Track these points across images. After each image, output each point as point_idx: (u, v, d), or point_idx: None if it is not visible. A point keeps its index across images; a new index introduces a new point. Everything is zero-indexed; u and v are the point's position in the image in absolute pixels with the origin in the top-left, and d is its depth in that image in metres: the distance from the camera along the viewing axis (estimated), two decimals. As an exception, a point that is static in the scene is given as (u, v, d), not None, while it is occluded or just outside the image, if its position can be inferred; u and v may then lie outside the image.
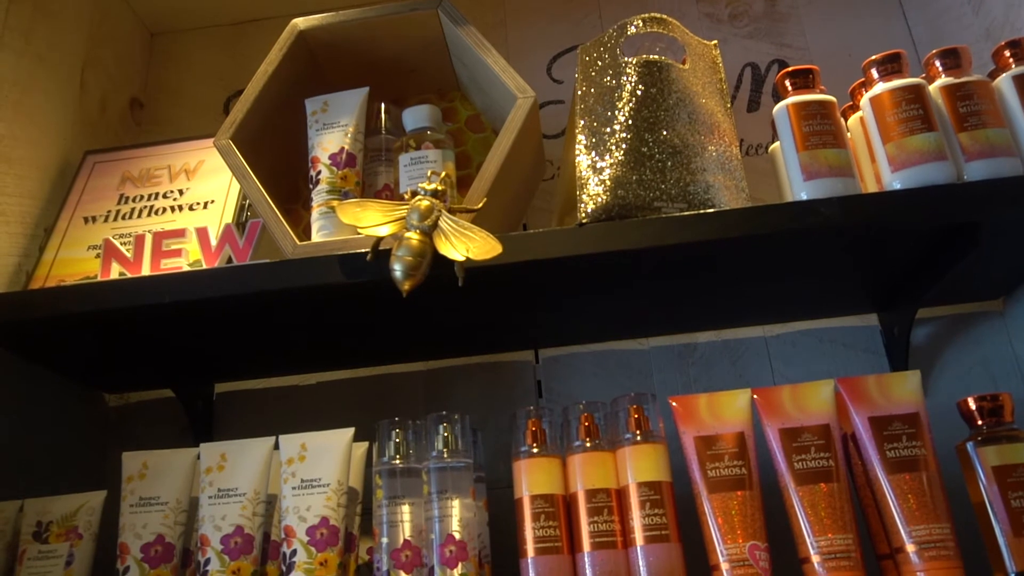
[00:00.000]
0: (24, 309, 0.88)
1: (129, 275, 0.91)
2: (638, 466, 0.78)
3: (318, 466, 0.82)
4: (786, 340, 1.08)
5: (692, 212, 0.81)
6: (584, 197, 0.82)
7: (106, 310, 0.86)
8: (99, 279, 0.91)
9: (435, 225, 0.80)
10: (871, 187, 0.86)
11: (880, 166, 0.82)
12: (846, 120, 0.90)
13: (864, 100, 0.85)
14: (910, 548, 0.73)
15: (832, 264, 0.91)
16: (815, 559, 0.73)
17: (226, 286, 0.85)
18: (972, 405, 0.79)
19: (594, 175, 0.83)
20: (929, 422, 0.78)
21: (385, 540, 0.78)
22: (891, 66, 0.83)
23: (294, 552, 0.78)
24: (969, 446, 0.77)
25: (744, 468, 0.77)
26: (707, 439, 0.79)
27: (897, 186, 0.80)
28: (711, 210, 0.82)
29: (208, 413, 1.12)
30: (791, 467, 0.77)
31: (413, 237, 0.79)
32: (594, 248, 0.80)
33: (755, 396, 0.81)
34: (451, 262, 0.78)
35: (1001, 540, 0.73)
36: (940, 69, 0.84)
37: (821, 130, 0.83)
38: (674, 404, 0.81)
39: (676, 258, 0.85)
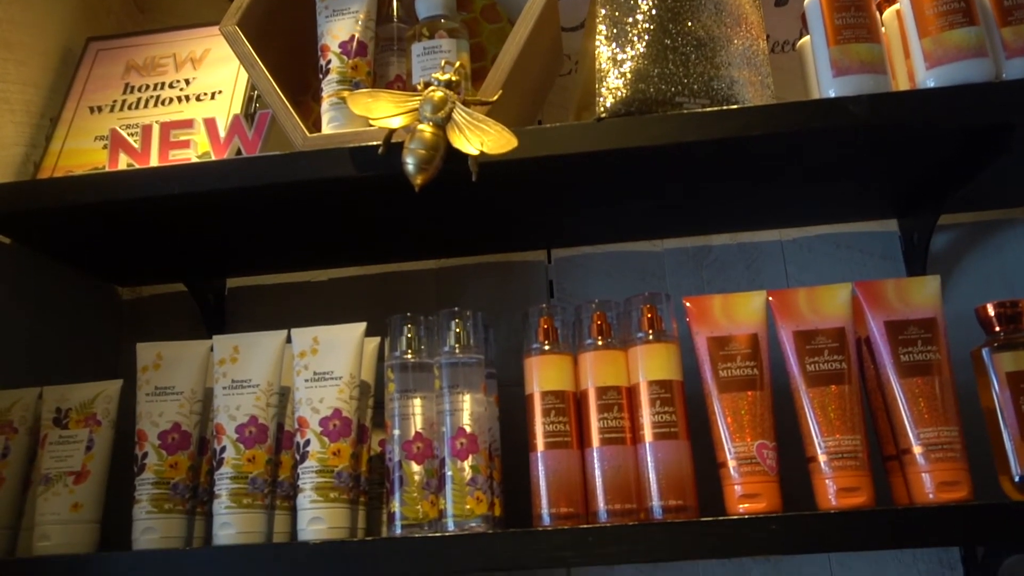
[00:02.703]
0: (33, 199, 0.87)
1: (137, 166, 0.89)
2: (649, 365, 0.78)
3: (330, 359, 0.82)
4: (802, 244, 1.07)
5: (714, 108, 0.79)
6: (603, 90, 0.79)
7: (114, 201, 0.86)
8: (107, 170, 0.90)
9: (449, 117, 0.77)
10: (903, 85, 0.83)
11: (915, 62, 0.78)
12: (881, 13, 0.86)
13: (902, -9, 0.80)
14: (917, 450, 0.73)
15: (856, 166, 0.89)
16: (821, 458, 0.74)
17: (235, 178, 0.84)
18: (991, 311, 0.78)
19: (614, 67, 0.80)
20: (946, 328, 0.77)
21: (397, 432, 0.80)
22: (933, -46, 0.79)
23: (307, 442, 0.80)
24: (984, 352, 0.76)
25: (756, 369, 0.77)
26: (720, 340, 0.78)
27: (931, 84, 0.77)
28: (734, 106, 0.79)
29: (220, 307, 1.12)
30: (803, 369, 0.76)
31: (426, 130, 0.77)
32: (612, 144, 0.78)
33: (770, 298, 0.80)
34: (465, 156, 0.76)
35: (1008, 445, 0.74)
36: (985, -42, 0.79)
37: (855, 23, 0.79)
38: (688, 304, 0.81)
39: (696, 157, 0.82)
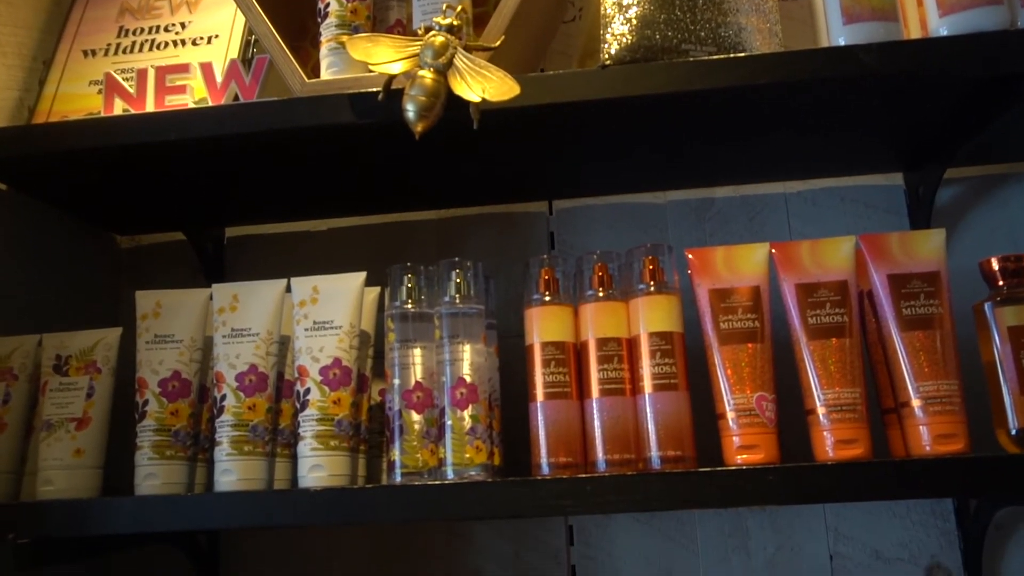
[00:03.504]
0: (28, 145, 0.86)
1: (133, 111, 0.88)
2: (650, 316, 0.78)
3: (330, 308, 0.82)
4: (806, 198, 1.06)
5: (721, 56, 0.77)
6: (608, 37, 0.78)
7: (110, 147, 0.84)
8: (102, 115, 0.89)
9: (450, 63, 0.76)
10: (915, 34, 0.81)
11: (927, 10, 0.77)
12: (894, -41, 0.83)
13: (917, -65, 0.78)
14: (916, 403, 0.74)
15: (863, 117, 0.87)
16: (820, 411, 0.74)
17: (232, 124, 0.82)
18: (995, 265, 0.77)
19: (619, 13, 0.78)
20: (949, 282, 0.77)
21: (397, 381, 0.80)
22: None
23: (308, 391, 0.80)
24: (987, 306, 0.76)
25: (757, 322, 0.77)
26: (722, 292, 0.78)
27: (944, 32, 0.75)
28: (741, 55, 0.78)
29: (219, 257, 1.12)
30: (805, 322, 0.76)
31: (427, 76, 0.75)
32: (616, 92, 0.76)
33: (773, 250, 0.79)
34: (466, 103, 0.75)
35: (1007, 399, 0.74)
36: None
37: (867, -32, 0.77)
38: (690, 256, 0.80)
39: (701, 106, 0.81)
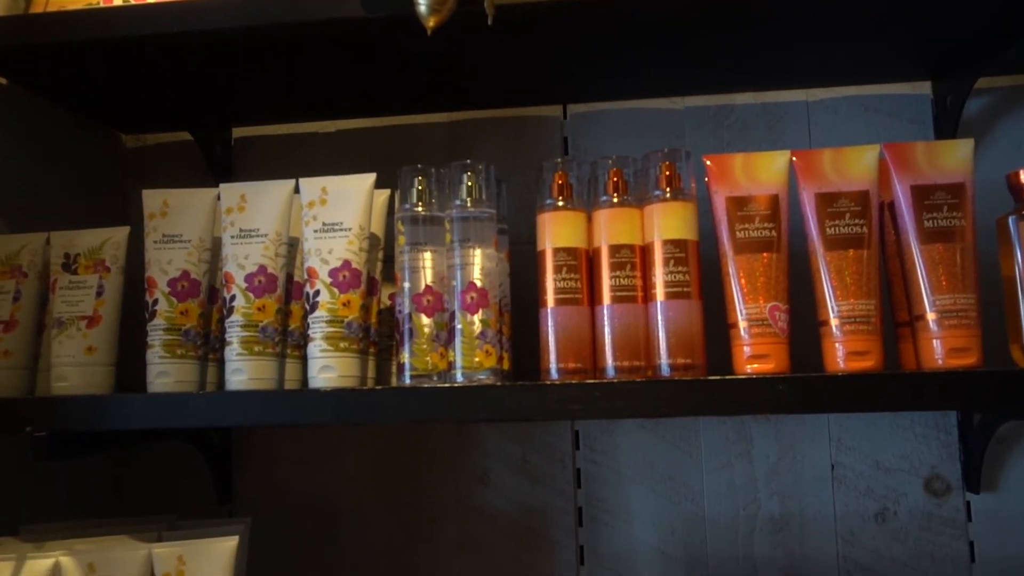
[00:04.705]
0: (26, 36, 0.83)
1: (134, 1, 0.84)
2: (665, 223, 0.77)
3: (339, 210, 0.81)
4: (828, 106, 1.03)
5: (751, -51, 0.73)
6: (631, -74, 0.74)
7: (111, 39, 0.82)
8: (103, 5, 0.85)
9: (464, -47, 0.72)
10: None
11: (973, -99, 0.72)
12: None
13: None
14: (931, 316, 0.73)
15: (895, 18, 0.83)
16: (834, 322, 0.74)
17: (238, 17, 0.80)
18: (1022, 178, 0.75)
19: (644, -99, 0.74)
20: (973, 194, 0.75)
21: (407, 285, 0.79)
22: None
23: (317, 292, 0.80)
24: (1011, 219, 0.74)
25: (774, 231, 0.75)
26: (739, 200, 0.76)
27: (988, -74, 0.71)
28: (772, -52, 0.74)
29: (227, 157, 1.10)
30: (823, 232, 0.75)
31: (440, -34, 0.71)
32: (637, -14, 0.73)
33: (794, 158, 0.77)
34: (480, -4, 0.71)
35: (1024, 313, 0.73)
36: None
37: None
38: (708, 163, 0.78)
39: (723, 3, 0.77)
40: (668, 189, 0.78)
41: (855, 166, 0.75)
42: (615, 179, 0.79)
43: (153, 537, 0.87)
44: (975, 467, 0.95)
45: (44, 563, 0.80)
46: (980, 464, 0.95)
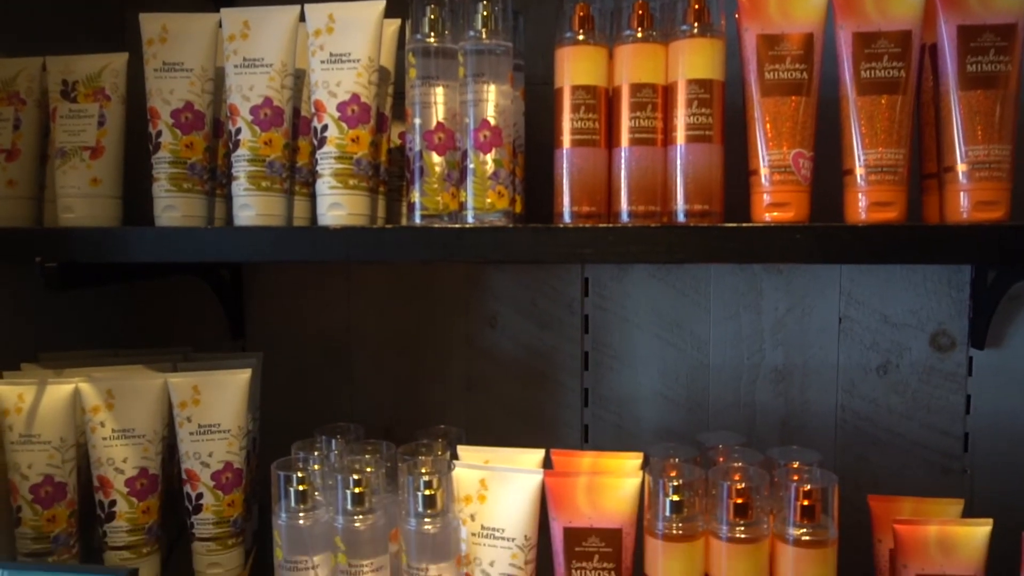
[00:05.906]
0: None
1: None
2: (691, 61, 0.72)
3: (347, 40, 0.76)
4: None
5: None
6: None
7: None
8: None
9: None
10: None
11: None
12: None
13: None
14: (961, 168, 0.70)
15: None
16: (859, 171, 0.71)
17: None
18: (1077, 20, 0.70)
19: None
20: None
21: (418, 121, 0.76)
22: None
23: (325, 127, 0.77)
24: (1059, 66, 0.70)
25: (806, 73, 0.71)
26: (771, 38, 0.71)
27: None
28: None
29: (226, -18, 1.04)
30: (857, 76, 0.71)
31: None
32: None
33: (834, -7, 0.72)
34: None
35: (1058, 167, 0.70)
36: None
37: None
38: (741, -4, 0.73)
39: None
40: (696, 24, 0.73)
41: (899, 3, 0.70)
42: (640, 12, 0.74)
43: (169, 368, 0.89)
44: (983, 324, 0.95)
45: (64, 388, 0.83)
46: (988, 321, 0.95)
